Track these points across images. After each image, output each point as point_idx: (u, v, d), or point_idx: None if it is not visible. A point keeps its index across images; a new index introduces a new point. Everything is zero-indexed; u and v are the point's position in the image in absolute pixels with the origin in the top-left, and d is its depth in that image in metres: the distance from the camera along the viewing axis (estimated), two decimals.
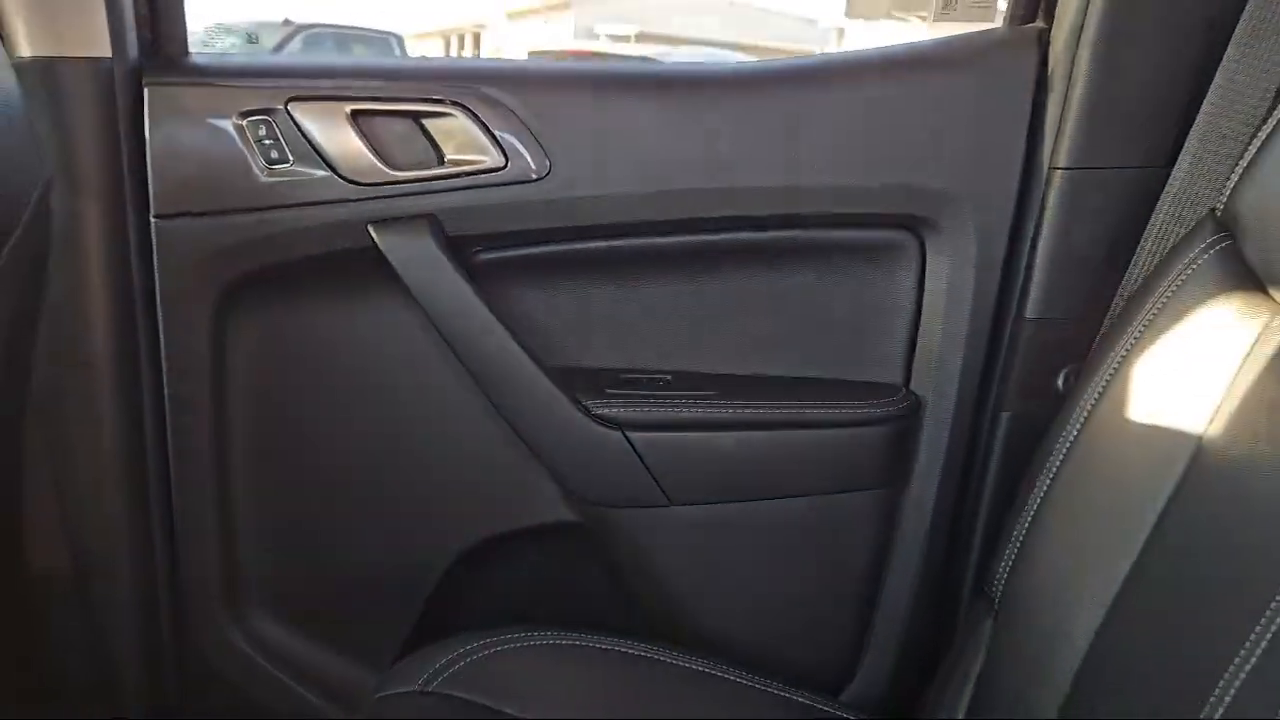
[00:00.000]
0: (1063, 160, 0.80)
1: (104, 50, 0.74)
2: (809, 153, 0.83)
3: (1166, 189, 0.75)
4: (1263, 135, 0.63)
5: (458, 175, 0.81)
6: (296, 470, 0.91)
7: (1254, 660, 0.51)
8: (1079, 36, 0.78)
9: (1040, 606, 0.68)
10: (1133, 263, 0.77)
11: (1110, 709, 0.60)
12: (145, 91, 0.77)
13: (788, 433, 0.87)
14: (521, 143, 0.80)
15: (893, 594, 0.93)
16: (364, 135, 0.79)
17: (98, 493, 0.83)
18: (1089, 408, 0.68)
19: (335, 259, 0.82)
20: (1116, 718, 0.59)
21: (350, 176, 0.80)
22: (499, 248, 0.85)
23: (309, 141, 0.79)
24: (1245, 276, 0.62)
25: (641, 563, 0.91)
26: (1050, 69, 0.81)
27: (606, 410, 0.86)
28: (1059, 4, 0.81)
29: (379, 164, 0.80)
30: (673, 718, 0.75)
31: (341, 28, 8.43)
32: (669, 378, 0.90)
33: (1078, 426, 0.68)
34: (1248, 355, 0.59)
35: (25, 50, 0.72)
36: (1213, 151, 0.73)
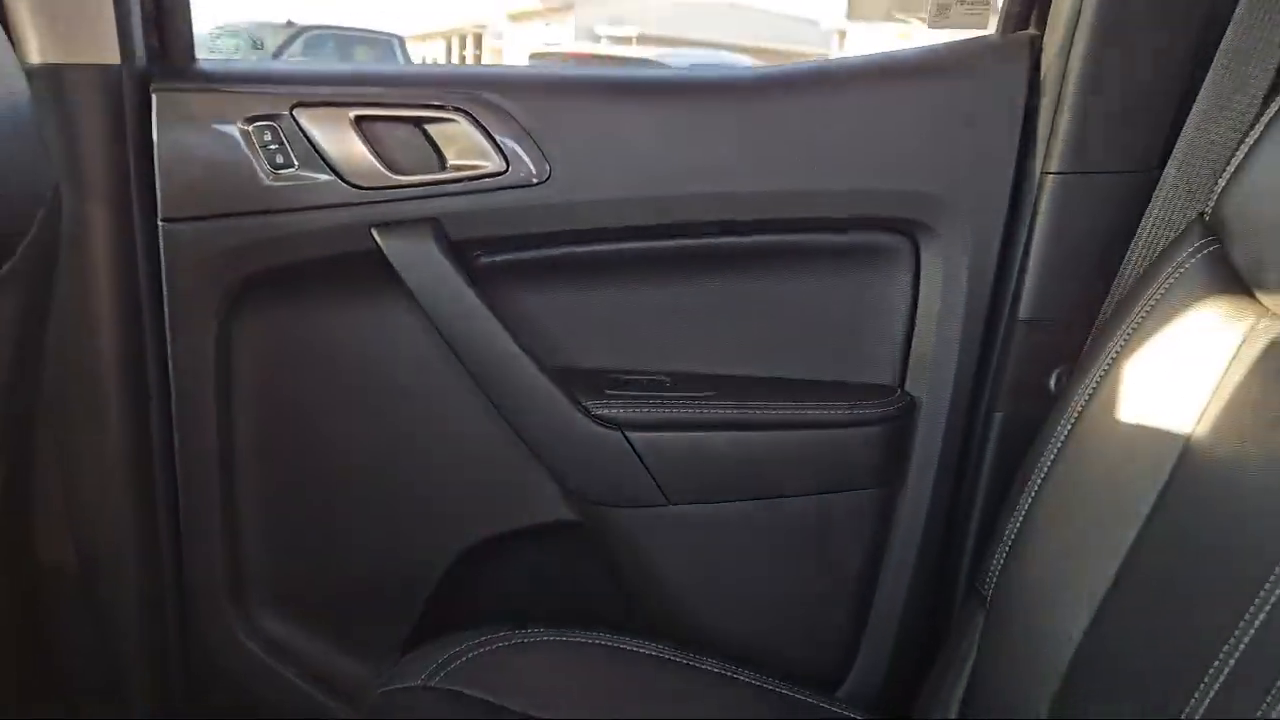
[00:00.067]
0: (1055, 165, 0.81)
1: (113, 57, 0.75)
2: (805, 157, 0.84)
3: (1155, 193, 0.76)
4: (1249, 142, 0.64)
5: (460, 180, 0.82)
6: (301, 470, 0.92)
7: (1236, 657, 0.52)
8: (1070, 44, 0.79)
9: (1031, 604, 0.69)
10: (1123, 265, 0.78)
11: (1100, 705, 0.61)
12: (153, 97, 0.78)
13: (784, 433, 0.88)
14: (522, 148, 0.81)
15: (888, 592, 0.94)
16: (367, 140, 0.80)
17: (104, 492, 0.84)
18: (1079, 408, 0.69)
19: (339, 262, 0.83)
20: (1106, 713, 0.60)
21: (354, 181, 0.81)
22: (500, 251, 0.86)
23: (313, 146, 0.80)
24: (1232, 280, 0.63)
25: (640, 561, 0.92)
26: (1042, 75, 0.82)
27: (606, 411, 0.87)
28: (1051, 12, 0.82)
29: (382, 168, 0.81)
30: (671, 714, 0.76)
31: (343, 29, 8.43)
32: (668, 379, 0.91)
33: (1068, 427, 0.69)
34: (1234, 357, 0.60)
35: (35, 56, 0.73)
36: (1200, 157, 0.74)
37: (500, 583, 0.99)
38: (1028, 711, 0.65)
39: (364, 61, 8.18)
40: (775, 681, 0.80)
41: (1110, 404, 0.67)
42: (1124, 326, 0.68)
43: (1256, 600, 0.52)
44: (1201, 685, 0.54)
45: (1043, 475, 0.70)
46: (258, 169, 0.80)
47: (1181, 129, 0.75)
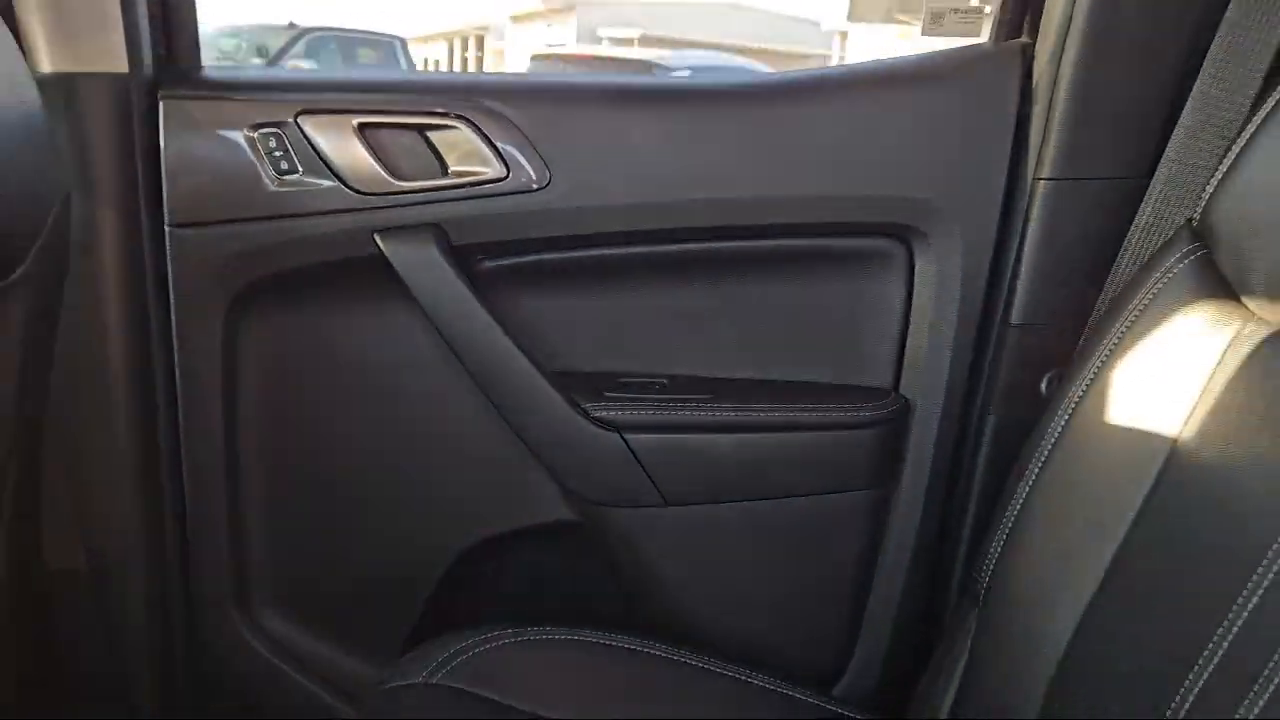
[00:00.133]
0: (1046, 171, 0.82)
1: (121, 66, 0.76)
2: (801, 163, 0.85)
3: (1145, 199, 0.77)
4: (1236, 149, 0.65)
5: (461, 186, 0.82)
6: (305, 471, 0.93)
7: (1217, 659, 0.53)
8: (1062, 52, 0.80)
9: (1023, 604, 0.70)
10: (1113, 270, 0.78)
11: (1090, 704, 0.61)
12: (160, 105, 0.79)
13: (780, 435, 0.89)
14: (522, 154, 0.82)
15: (883, 592, 0.94)
16: (371, 147, 0.81)
17: (111, 494, 0.85)
18: (1070, 411, 0.69)
19: (343, 266, 0.84)
20: (1096, 713, 0.61)
21: (357, 187, 0.81)
22: (501, 256, 0.87)
23: (317, 153, 0.81)
24: (1219, 285, 0.64)
25: (639, 561, 0.93)
26: (1034, 83, 0.83)
27: (605, 413, 0.87)
28: (1043, 21, 0.83)
29: (385, 175, 0.81)
30: (669, 711, 0.76)
31: (345, 31, 8.40)
32: (665, 381, 0.91)
33: (1059, 429, 0.70)
34: (1220, 362, 0.60)
35: (46, 66, 0.74)
36: (1189, 164, 0.74)
37: (501, 582, 1.00)
38: (1019, 710, 0.66)
39: (366, 63, 8.18)
40: (772, 680, 0.80)
41: (1100, 407, 0.67)
42: (1113, 331, 0.69)
43: (1237, 603, 0.53)
44: (1184, 686, 0.55)
45: (1034, 477, 0.71)
46: (263, 175, 0.81)
47: (1171, 136, 0.76)
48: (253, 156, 0.80)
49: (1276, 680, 0.50)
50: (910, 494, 0.92)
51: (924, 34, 0.90)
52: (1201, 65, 0.74)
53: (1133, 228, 0.77)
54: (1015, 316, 0.85)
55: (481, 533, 0.95)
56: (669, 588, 0.93)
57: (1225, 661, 0.53)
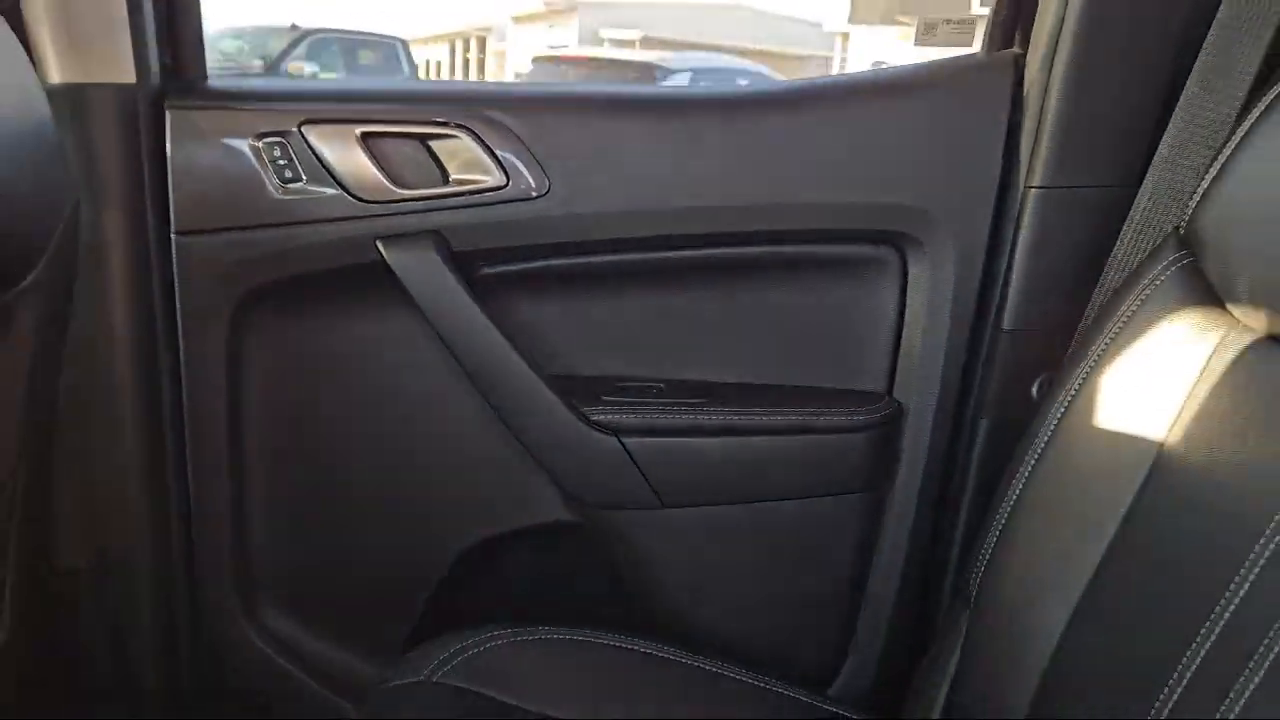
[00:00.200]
0: (1037, 179, 0.83)
1: (129, 76, 0.77)
2: (796, 172, 0.86)
3: (1134, 208, 0.78)
4: (1222, 159, 0.66)
5: (462, 194, 0.84)
6: (307, 473, 0.94)
7: (1199, 660, 0.54)
8: (1052, 63, 0.81)
9: (1012, 605, 0.71)
10: (1102, 277, 0.79)
11: (1077, 705, 0.62)
12: (167, 115, 0.80)
13: (775, 438, 0.90)
14: (522, 163, 0.83)
15: (876, 593, 0.95)
16: (373, 156, 0.82)
17: (118, 495, 0.86)
18: (1059, 415, 0.70)
19: (345, 273, 0.85)
20: (1083, 713, 0.61)
21: (360, 195, 0.82)
22: (501, 262, 0.88)
23: (321, 162, 0.82)
24: (1204, 292, 0.65)
25: (636, 562, 0.94)
26: (1025, 93, 0.84)
27: (603, 416, 0.88)
28: (1034, 32, 0.84)
29: (387, 183, 0.82)
30: (666, 710, 0.77)
31: (347, 33, 8.38)
32: (662, 385, 0.92)
33: (1049, 433, 0.71)
34: (1205, 367, 0.61)
35: (55, 77, 0.75)
36: (1176, 173, 0.75)
37: (501, 582, 1.01)
38: (1010, 710, 0.67)
39: (368, 64, 8.18)
40: (768, 679, 0.81)
41: (1088, 412, 0.68)
42: (1102, 337, 0.69)
43: (1219, 605, 0.54)
44: (1168, 686, 0.56)
45: (1024, 480, 0.72)
46: (267, 183, 0.82)
47: (1158, 146, 0.77)
48: (257, 165, 0.81)
49: (1255, 681, 0.51)
50: (904, 496, 0.93)
51: (917, 44, 0.91)
52: (1188, 77, 0.75)
53: (1121, 235, 0.78)
54: (1007, 322, 0.86)
55: (482, 534, 0.95)
56: (666, 588, 0.94)
57: (1207, 663, 0.54)
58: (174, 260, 0.82)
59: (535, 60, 8.09)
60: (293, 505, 0.95)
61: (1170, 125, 0.76)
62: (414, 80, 8.50)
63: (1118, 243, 0.79)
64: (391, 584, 0.97)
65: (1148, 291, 0.68)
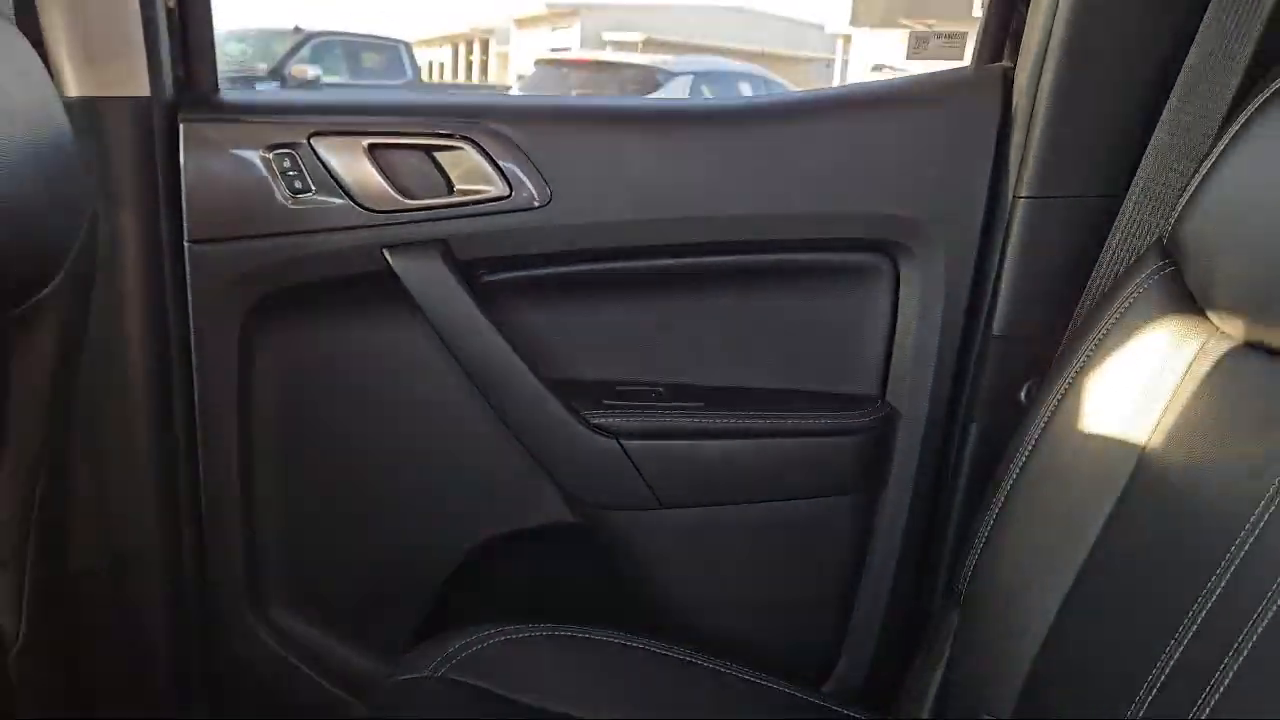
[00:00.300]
0: (1025, 190, 0.84)
1: (143, 90, 0.79)
2: (791, 182, 0.88)
3: (1118, 217, 0.79)
4: (1203, 171, 0.67)
5: (466, 204, 0.85)
6: (316, 475, 0.95)
7: (1175, 660, 0.56)
8: (1040, 76, 0.82)
9: (1000, 604, 0.72)
10: (1089, 284, 0.81)
11: (1062, 701, 0.64)
12: (180, 127, 0.82)
13: (771, 441, 0.91)
14: (524, 173, 0.85)
15: (869, 592, 0.97)
16: (380, 167, 0.84)
17: (132, 496, 0.87)
18: (1046, 420, 0.72)
19: (353, 281, 0.87)
20: (1067, 712, 0.63)
21: (367, 205, 0.84)
22: (504, 270, 0.90)
23: (329, 173, 0.84)
24: (1186, 300, 0.66)
25: (636, 561, 0.95)
26: (1014, 105, 0.85)
27: (603, 420, 0.90)
28: (1022, 46, 0.85)
29: (393, 193, 0.84)
30: (665, 705, 0.78)
31: (351, 35, 8.36)
32: (661, 390, 0.94)
33: (1035, 437, 0.72)
34: (1186, 373, 0.63)
35: (73, 90, 0.76)
36: (1160, 184, 0.77)
37: (504, 581, 1.02)
38: (996, 707, 0.69)
39: (371, 67, 8.18)
40: (764, 676, 0.82)
41: (1074, 416, 0.70)
42: (1087, 343, 0.71)
43: (1195, 605, 0.56)
44: (1144, 686, 0.57)
45: (1011, 482, 0.73)
46: (277, 194, 0.83)
47: (1143, 157, 0.78)
48: (268, 176, 0.83)
49: (1228, 680, 0.53)
50: (896, 498, 0.94)
51: (909, 57, 0.94)
52: (1170, 92, 0.77)
53: (1107, 244, 0.80)
54: (996, 328, 0.87)
55: (485, 534, 0.97)
56: (665, 587, 0.96)
57: (1183, 662, 0.56)
58: (187, 268, 0.84)
59: (538, 63, 8.08)
60: (302, 505, 0.96)
61: (1154, 138, 0.78)
62: (419, 93, 8.51)
63: (1103, 251, 0.80)
64: (398, 582, 0.98)
65: (1131, 299, 0.69)
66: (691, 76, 7.01)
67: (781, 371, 0.96)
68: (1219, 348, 0.62)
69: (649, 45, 15.22)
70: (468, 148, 0.85)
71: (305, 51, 7.61)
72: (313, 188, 0.84)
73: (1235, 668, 0.53)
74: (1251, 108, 0.64)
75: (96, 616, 0.89)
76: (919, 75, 0.91)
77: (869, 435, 0.92)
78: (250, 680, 0.97)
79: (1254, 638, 0.53)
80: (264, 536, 0.96)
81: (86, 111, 0.77)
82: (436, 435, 0.95)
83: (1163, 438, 0.63)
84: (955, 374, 0.91)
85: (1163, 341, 0.66)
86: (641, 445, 0.90)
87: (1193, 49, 0.76)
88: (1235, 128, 0.65)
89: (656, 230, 0.88)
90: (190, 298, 0.85)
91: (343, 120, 0.85)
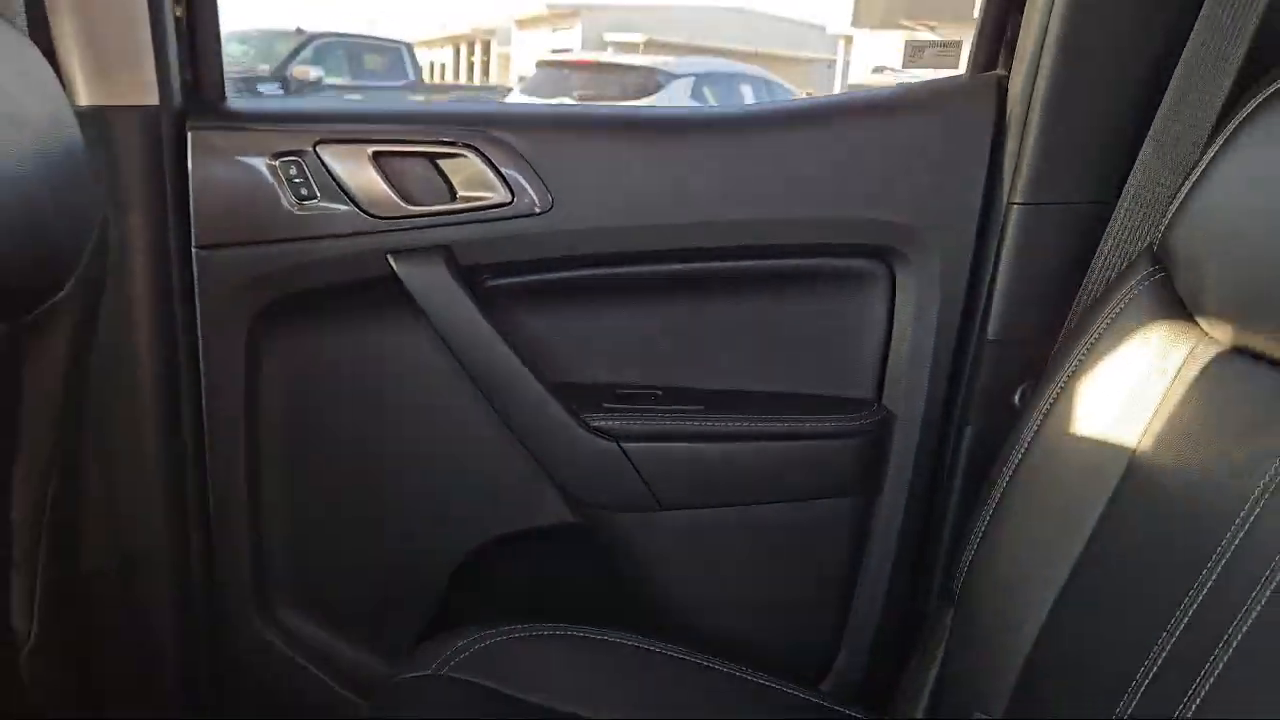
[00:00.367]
0: (1019, 196, 0.85)
1: (152, 99, 0.80)
2: (789, 189, 0.89)
3: (1110, 223, 0.80)
4: (1193, 179, 0.68)
5: (469, 210, 0.86)
6: (322, 477, 0.96)
7: (1161, 660, 0.57)
8: (1033, 84, 0.83)
9: (995, 602, 0.73)
10: (1081, 290, 0.82)
11: (1053, 701, 0.65)
12: (188, 135, 0.83)
13: (769, 444, 0.92)
14: (526, 180, 0.86)
15: (866, 592, 0.98)
16: (384, 174, 0.85)
17: (140, 498, 0.88)
18: (1038, 422, 0.73)
19: (358, 286, 0.88)
20: (1058, 710, 0.64)
21: (372, 211, 0.85)
22: (506, 275, 0.91)
23: (335, 179, 0.85)
24: (1175, 306, 0.67)
25: (636, 562, 0.96)
26: (1008, 113, 0.86)
27: (603, 423, 0.91)
28: (1016, 55, 0.86)
29: (397, 200, 0.85)
30: (665, 704, 0.79)
31: (353, 37, 8.36)
32: (661, 393, 0.95)
33: (1028, 439, 0.73)
34: (1175, 377, 0.64)
35: (83, 99, 0.77)
36: (1151, 191, 0.78)
37: (506, 581, 1.03)
38: (991, 702, 0.70)
39: (373, 68, 8.18)
40: (762, 675, 0.83)
41: (1065, 419, 0.71)
42: (1079, 348, 0.72)
43: (1182, 605, 0.57)
44: (1132, 685, 0.58)
45: (1005, 484, 0.74)
46: (284, 200, 0.84)
47: (1134, 165, 0.79)
48: (274, 183, 0.84)
49: (1217, 672, 0.54)
50: (892, 500, 0.95)
51: (904, 67, 0.95)
52: (1161, 99, 0.78)
53: (1099, 250, 0.81)
54: (991, 332, 0.88)
55: (488, 535, 0.98)
56: (664, 587, 0.97)
57: (1170, 661, 0.57)
58: (195, 273, 0.85)
59: (539, 64, 8.05)
60: (308, 507, 0.97)
61: (1145, 146, 0.79)
62: (420, 94, 8.51)
63: (1095, 257, 0.81)
64: (403, 583, 0.99)
65: (1122, 305, 0.70)
66: (693, 78, 7.00)
67: (779, 375, 0.97)
68: (1207, 352, 0.63)
69: (650, 46, 15.20)
70: (470, 155, 0.86)
71: (307, 53, 7.60)
72: (318, 194, 0.85)
73: (1224, 661, 0.54)
74: (1240, 117, 0.65)
75: (105, 617, 0.90)
76: (915, 83, 0.92)
77: (866, 438, 0.94)
78: (257, 680, 0.98)
79: (1241, 632, 0.54)
80: (271, 538, 0.97)
81: (96, 120, 0.78)
82: (440, 438, 0.96)
83: (1153, 440, 0.64)
84: (950, 377, 0.92)
85: (1153, 346, 0.67)
86: (641, 448, 0.91)
87: (1182, 59, 0.77)
88: (1224, 137, 0.67)
89: (656, 236, 0.89)
90: (198, 302, 0.86)
91: (348, 128, 0.86)
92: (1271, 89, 0.64)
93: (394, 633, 0.99)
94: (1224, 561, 0.56)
